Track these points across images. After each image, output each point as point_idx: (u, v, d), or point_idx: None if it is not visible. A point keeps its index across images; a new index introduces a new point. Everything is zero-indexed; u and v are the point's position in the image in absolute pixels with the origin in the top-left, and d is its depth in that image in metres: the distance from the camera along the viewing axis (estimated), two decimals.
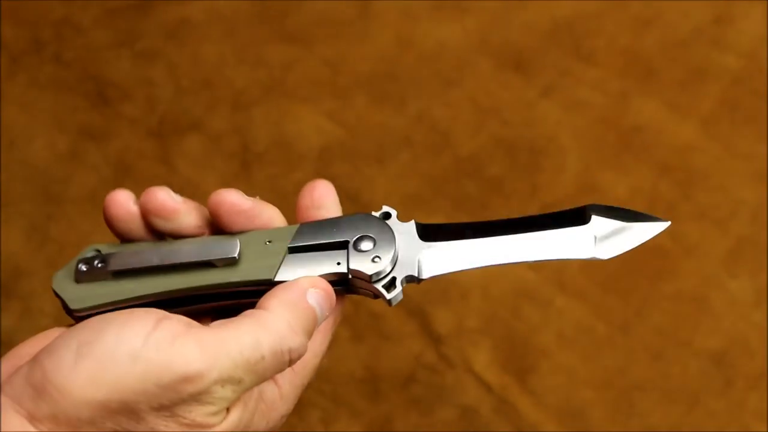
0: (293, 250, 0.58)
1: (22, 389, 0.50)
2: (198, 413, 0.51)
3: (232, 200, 0.59)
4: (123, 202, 0.59)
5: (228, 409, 0.53)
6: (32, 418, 0.49)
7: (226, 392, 0.52)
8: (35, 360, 0.51)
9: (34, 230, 1.19)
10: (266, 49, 1.28)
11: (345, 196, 1.17)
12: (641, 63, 1.23)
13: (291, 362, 0.55)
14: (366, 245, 0.58)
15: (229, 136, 1.23)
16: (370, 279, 0.58)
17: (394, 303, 0.59)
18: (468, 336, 1.10)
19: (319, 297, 0.57)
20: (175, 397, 0.50)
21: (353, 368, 1.09)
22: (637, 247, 0.61)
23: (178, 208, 0.59)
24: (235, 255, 0.57)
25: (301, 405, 1.06)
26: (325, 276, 0.58)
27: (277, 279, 0.57)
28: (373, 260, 0.58)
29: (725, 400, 1.05)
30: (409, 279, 0.59)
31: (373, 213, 0.60)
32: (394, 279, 0.59)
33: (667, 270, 1.12)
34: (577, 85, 1.22)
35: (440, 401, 1.07)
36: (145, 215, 0.59)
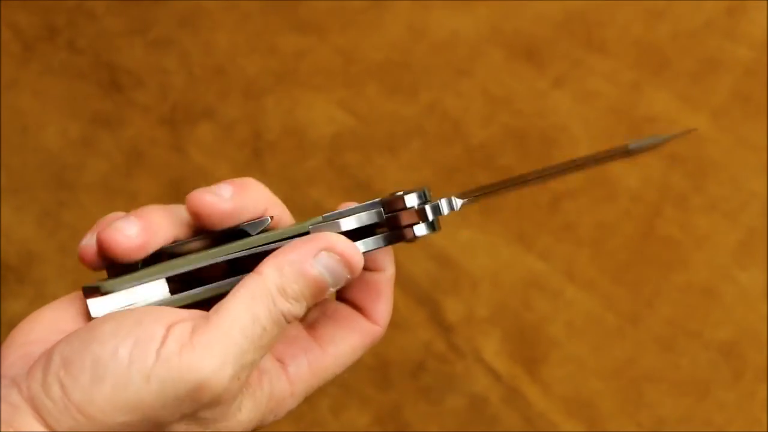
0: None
1: (41, 398, 0.49)
2: (220, 412, 0.51)
3: (211, 207, 0.53)
4: (89, 257, 0.54)
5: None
6: (54, 425, 0.49)
7: (242, 379, 0.51)
8: (49, 369, 0.49)
9: (47, 216, 1.19)
10: (279, 38, 1.28)
11: (356, 185, 1.18)
12: (653, 54, 1.23)
13: (289, 323, 0.52)
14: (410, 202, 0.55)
15: (241, 124, 1.23)
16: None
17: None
18: (478, 325, 1.10)
19: (331, 262, 0.53)
20: (196, 405, 0.50)
21: (363, 356, 1.09)
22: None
23: (132, 246, 0.53)
24: None
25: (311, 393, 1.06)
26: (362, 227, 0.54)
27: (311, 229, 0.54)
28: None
29: (735, 392, 1.06)
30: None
31: (398, 194, 0.55)
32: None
33: (678, 261, 1.12)
34: (589, 76, 1.22)
35: (450, 390, 1.07)
36: (111, 259, 0.53)
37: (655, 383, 1.06)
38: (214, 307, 0.52)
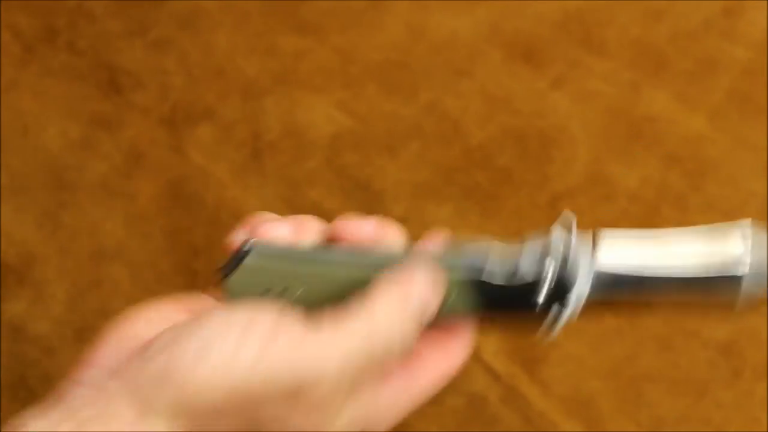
0: None
1: (138, 379, 0.49)
2: (310, 419, 0.51)
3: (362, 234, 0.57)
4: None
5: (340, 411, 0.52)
6: (148, 410, 0.49)
7: (337, 398, 0.51)
8: (151, 348, 0.50)
9: (47, 217, 1.19)
10: (278, 39, 1.28)
11: (355, 185, 1.18)
12: (652, 54, 1.23)
13: (399, 358, 0.54)
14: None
15: (240, 124, 1.23)
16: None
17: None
18: (477, 325, 1.10)
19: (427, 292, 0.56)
20: (296, 403, 0.50)
21: None
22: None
23: None
24: None
25: None
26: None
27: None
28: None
29: (733, 391, 1.06)
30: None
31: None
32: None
33: None
34: (587, 76, 1.22)
35: (448, 389, 1.07)
36: None
37: (654, 382, 1.06)
38: (328, 321, 0.53)
